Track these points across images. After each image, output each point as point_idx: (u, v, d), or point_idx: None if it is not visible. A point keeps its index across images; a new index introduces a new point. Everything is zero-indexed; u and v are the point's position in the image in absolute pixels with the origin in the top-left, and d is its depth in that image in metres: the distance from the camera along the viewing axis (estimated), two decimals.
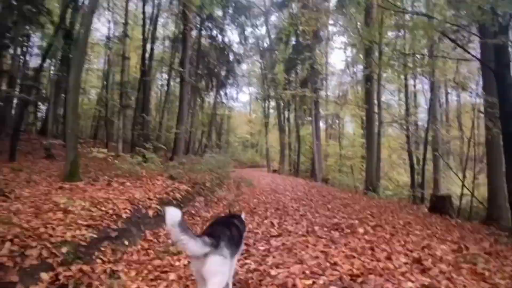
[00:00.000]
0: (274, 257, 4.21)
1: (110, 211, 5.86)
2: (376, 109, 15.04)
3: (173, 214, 2.40)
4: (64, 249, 4.38)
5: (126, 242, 5.54)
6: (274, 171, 30.41)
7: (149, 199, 7.33)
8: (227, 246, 2.68)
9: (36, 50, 18.39)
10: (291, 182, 16.24)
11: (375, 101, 15.33)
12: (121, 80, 17.41)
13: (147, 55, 19.13)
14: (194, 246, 2.44)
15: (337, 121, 32.43)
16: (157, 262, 4.72)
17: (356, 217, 6.95)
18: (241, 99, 62.87)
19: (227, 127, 41.84)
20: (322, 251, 4.37)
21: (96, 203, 6.08)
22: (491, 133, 9.81)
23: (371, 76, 15.14)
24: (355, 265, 3.81)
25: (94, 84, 27.19)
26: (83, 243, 4.67)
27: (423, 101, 26.15)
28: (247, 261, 4.15)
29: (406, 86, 19.59)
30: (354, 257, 4.13)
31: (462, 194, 15.21)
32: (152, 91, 28.44)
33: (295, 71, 23.24)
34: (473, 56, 9.46)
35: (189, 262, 4.43)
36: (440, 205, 9.40)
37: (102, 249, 4.95)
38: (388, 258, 4.14)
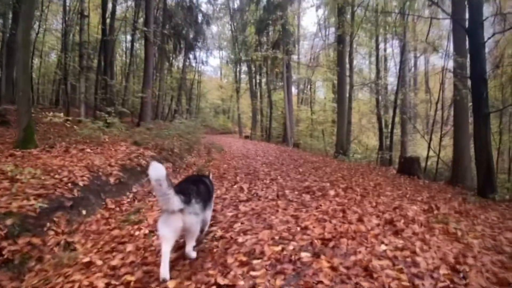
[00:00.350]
0: (242, 223, 3.96)
1: (65, 179, 5.38)
2: (347, 72, 14.80)
3: (159, 169, 2.55)
4: (8, 221, 3.94)
5: (84, 212, 5.13)
6: (246, 137, 30.18)
7: (110, 165, 6.84)
8: (197, 202, 2.88)
9: None
10: (262, 147, 16.04)
11: (347, 64, 15.07)
12: (80, 40, 16.04)
13: (108, 13, 17.73)
14: (175, 201, 2.60)
15: (308, 86, 32.14)
16: (115, 232, 4.37)
17: (327, 179, 6.82)
18: (211, 63, 61.25)
19: (198, 92, 40.57)
20: (292, 215, 4.16)
21: (49, 170, 5.56)
22: (460, 95, 9.83)
23: (343, 37, 14.75)
24: (327, 228, 3.62)
25: (54, 46, 25.18)
26: (32, 214, 4.23)
27: (392, 65, 26.41)
28: (213, 228, 3.87)
29: (377, 48, 19.49)
30: (325, 220, 3.95)
31: (428, 156, 15.61)
32: (117, 54, 26.89)
33: (266, 32, 22.42)
34: (446, 13, 9.23)
35: (151, 231, 4.13)
36: (408, 166, 9.49)
37: (55, 219, 4.53)
38: (360, 220, 3.99)
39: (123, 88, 17.82)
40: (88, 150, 8.06)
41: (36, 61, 24.52)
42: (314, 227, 3.70)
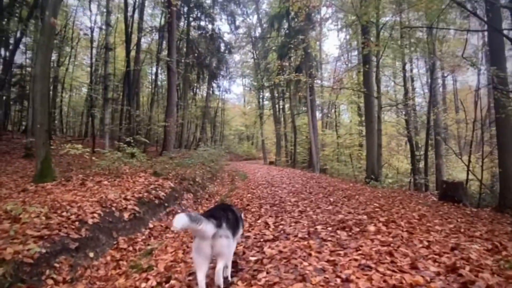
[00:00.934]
0: (268, 272, 3.23)
1: (73, 217, 4.87)
2: (375, 93, 14.03)
3: (180, 220, 2.49)
4: None
5: (91, 254, 4.57)
6: (271, 163, 29.46)
7: (126, 199, 6.32)
8: (228, 226, 2.91)
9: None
10: (288, 173, 15.29)
11: (374, 85, 14.33)
12: (104, 73, 16.23)
13: (133, 45, 18.01)
14: (208, 227, 2.64)
15: (333, 110, 31.35)
16: (121, 281, 3.73)
17: (363, 211, 6.00)
18: (235, 91, 61.94)
19: (222, 120, 40.70)
20: (328, 261, 3.41)
21: (57, 207, 5.08)
22: (505, 112, 8.84)
23: (369, 58, 14.10)
24: (374, 280, 2.85)
25: (84, 80, 26.00)
26: (29, 261, 3.69)
27: (418, 86, 25.39)
28: (234, 279, 3.18)
29: (403, 68, 18.64)
30: (370, 267, 3.17)
31: (467, 180, 14.37)
32: (144, 86, 27.37)
33: (288, 57, 22.10)
34: (486, 23, 8.43)
35: (159, 283, 3.49)
36: (452, 192, 8.46)
37: (57, 265, 3.97)
38: (414, 266, 3.19)
39: (148, 118, 17.71)
40: (105, 182, 7.63)
41: (66, 94, 25.33)
42: (357, 278, 2.94)
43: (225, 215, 3.04)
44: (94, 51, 21.57)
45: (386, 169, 21.90)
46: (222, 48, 24.46)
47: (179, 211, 7.43)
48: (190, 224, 2.55)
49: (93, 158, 9.04)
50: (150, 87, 28.74)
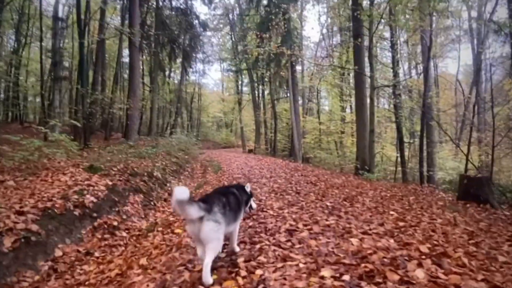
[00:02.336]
0: None
1: None
2: (368, 72, 11.98)
3: (181, 193, 2.40)
4: None
5: None
6: (250, 151, 27.27)
7: (20, 212, 3.97)
8: (221, 212, 2.67)
9: None
10: (268, 164, 13.12)
11: (367, 62, 12.26)
12: (52, 46, 13.39)
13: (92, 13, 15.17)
14: (191, 209, 2.47)
15: (315, 94, 29.26)
16: None
17: (382, 228, 3.90)
18: (213, 76, 58.86)
19: (199, 106, 38.01)
20: None
21: None
22: None
23: (360, 30, 11.97)
24: None
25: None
26: None
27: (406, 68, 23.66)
28: None
29: (392, 47, 16.58)
30: None
31: (466, 170, 12.66)
32: (111, 67, 24.31)
33: (269, 36, 19.76)
34: None
35: None
36: (476, 190, 6.53)
37: None
38: None
39: (109, 100, 14.95)
40: (10, 182, 5.23)
41: (30, 79, 21.94)
42: None
43: (220, 198, 2.80)
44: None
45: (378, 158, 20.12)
46: (196, 25, 21.73)
47: (115, 223, 5.13)
48: (185, 203, 2.41)
49: (4, 147, 6.51)
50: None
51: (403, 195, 6.90)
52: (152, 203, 6.72)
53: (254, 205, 3.60)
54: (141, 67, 25.40)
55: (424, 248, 3.09)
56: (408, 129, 19.43)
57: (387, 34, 20.32)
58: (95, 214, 4.98)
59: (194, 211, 2.48)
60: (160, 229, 4.85)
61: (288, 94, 20.75)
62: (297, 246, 3.29)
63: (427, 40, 15.40)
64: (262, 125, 28.97)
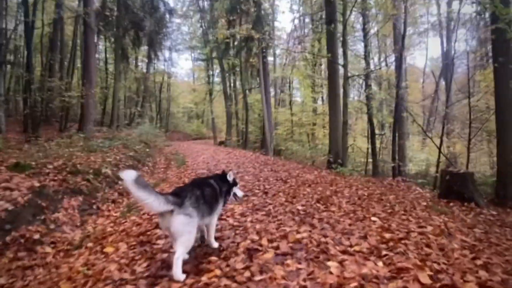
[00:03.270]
0: None
1: None
2: (341, 60, 11.24)
3: (127, 174, 2.33)
4: None
5: None
6: (221, 143, 26.16)
7: None
8: (194, 205, 2.56)
9: None
10: (237, 157, 12.21)
11: (340, 50, 11.52)
12: None
13: None
14: (155, 202, 2.35)
15: (287, 85, 28.50)
16: None
17: (362, 237, 3.11)
18: (183, 65, 56.65)
19: (168, 96, 36.29)
20: None
21: None
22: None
23: (334, 15, 11.18)
24: None
25: None
26: None
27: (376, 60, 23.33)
28: None
29: (365, 36, 15.99)
30: None
31: (438, 164, 12.35)
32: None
33: (239, 20, 18.62)
34: None
35: None
36: (459, 187, 5.94)
37: None
38: None
39: (60, 87, 13.31)
40: None
41: None
42: None
43: (193, 191, 2.67)
44: None
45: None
46: (162, 9, 20.20)
47: (36, 236, 4.06)
48: (132, 186, 2.29)
49: None
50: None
51: (381, 193, 6.20)
52: (94, 206, 5.64)
53: (239, 193, 3.40)
54: (105, 55, 23.74)
55: (424, 278, 2.29)
56: (379, 121, 19.09)
57: (358, 27, 19.91)
58: (8, 226, 3.89)
59: (158, 205, 2.37)
60: (90, 244, 3.83)
61: (260, 85, 19.86)
62: (257, 277, 2.40)
63: (400, 28, 14.94)
64: (233, 116, 27.90)
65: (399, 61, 12.98)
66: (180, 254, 2.41)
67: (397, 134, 14.30)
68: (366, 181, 8.62)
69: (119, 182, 7.25)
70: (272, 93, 28.86)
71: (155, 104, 33.61)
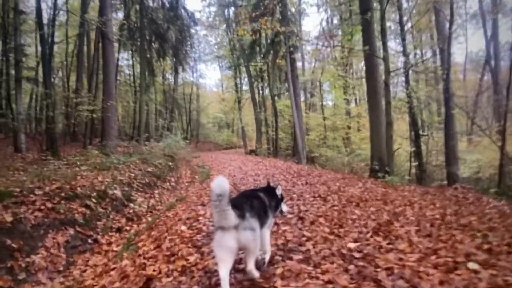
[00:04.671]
0: None
1: None
2: (381, 53, 9.68)
3: (223, 183, 2.13)
4: None
5: None
6: (251, 151, 25.03)
7: None
8: (254, 217, 2.38)
9: None
10: (266, 168, 10.89)
11: (379, 41, 9.99)
12: (15, 42, 11.22)
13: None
14: (231, 216, 2.17)
15: (316, 88, 26.87)
16: None
17: None
18: (213, 76, 56.60)
19: (197, 107, 35.83)
20: None
21: None
22: None
23: (369, 5, 9.68)
24: None
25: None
26: None
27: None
28: None
29: (401, 23, 14.16)
30: None
31: (502, 165, 10.35)
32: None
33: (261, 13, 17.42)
34: None
35: None
36: None
37: None
38: None
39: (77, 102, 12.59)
40: None
41: None
42: None
43: (247, 202, 2.46)
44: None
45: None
46: (185, 18, 19.49)
47: None
48: (225, 197, 2.08)
49: None
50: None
51: (455, 212, 4.63)
52: (91, 239, 4.53)
53: (285, 209, 3.11)
54: (133, 68, 23.46)
55: None
56: (423, 120, 17.06)
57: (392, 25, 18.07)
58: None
59: (233, 219, 2.17)
60: None
61: (288, 90, 18.54)
62: None
63: (443, 18, 13.11)
64: (263, 124, 26.70)
65: (448, 47, 11.11)
66: (252, 264, 2.34)
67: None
68: (423, 193, 6.98)
69: (130, 204, 6.18)
70: (302, 98, 27.41)
71: (185, 116, 33.25)
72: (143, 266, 3.14)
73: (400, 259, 2.79)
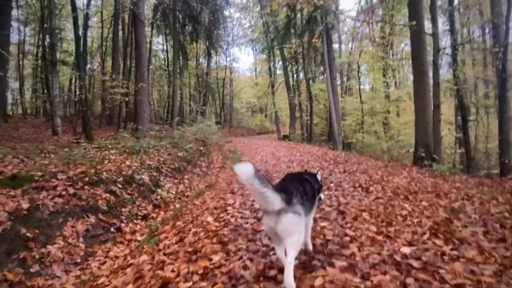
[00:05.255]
0: None
1: None
2: (430, 29, 8.62)
3: (244, 169, 1.92)
4: None
5: None
6: (285, 137, 24.34)
7: None
8: (301, 202, 2.20)
9: None
10: (300, 154, 10.30)
11: (428, 14, 8.89)
12: (50, 25, 11.25)
13: None
14: (275, 199, 2.00)
15: (353, 71, 25.45)
16: None
17: None
18: (246, 61, 55.86)
19: (231, 92, 35.50)
20: None
21: None
22: None
23: None
24: None
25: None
26: None
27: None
28: None
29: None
30: None
31: None
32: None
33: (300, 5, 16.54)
34: None
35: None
36: None
37: None
38: None
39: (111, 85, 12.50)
40: None
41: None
42: None
43: (298, 188, 2.31)
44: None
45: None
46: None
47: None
48: (254, 180, 1.88)
49: None
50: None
51: None
52: (113, 228, 4.26)
53: (322, 196, 2.92)
54: (166, 53, 23.40)
55: None
56: (471, 103, 15.54)
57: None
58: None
59: (276, 202, 2.00)
60: None
61: (324, 72, 17.57)
62: None
63: None
64: (297, 109, 25.83)
65: (506, 23, 9.71)
66: (291, 258, 2.02)
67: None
68: (477, 184, 6.13)
69: (158, 190, 5.90)
70: (338, 81, 26.14)
71: (218, 100, 33.10)
72: (161, 265, 2.76)
73: (472, 271, 2.20)
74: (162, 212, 5.31)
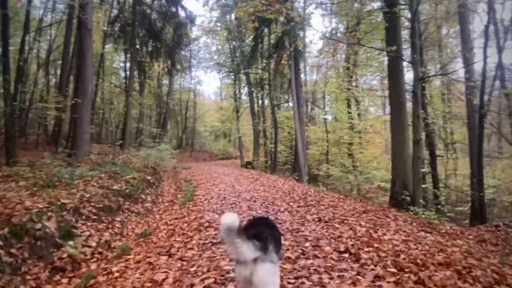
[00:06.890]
0: None
1: None
2: (408, 56, 7.83)
3: (231, 219, 1.81)
4: None
5: None
6: (248, 163, 22.91)
7: None
8: (276, 250, 2.06)
9: None
10: (265, 188, 8.87)
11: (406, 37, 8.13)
12: None
13: None
14: (247, 250, 1.84)
15: (320, 95, 24.90)
16: None
17: None
18: (211, 83, 54.81)
19: (194, 115, 33.93)
20: None
21: None
22: None
23: None
24: None
25: None
26: None
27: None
28: None
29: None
30: None
31: None
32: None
33: (268, 31, 15.81)
34: None
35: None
36: None
37: None
38: None
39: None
40: None
41: None
42: None
43: (270, 233, 2.14)
44: None
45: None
46: (182, 15, 17.58)
47: None
48: (233, 231, 1.76)
49: None
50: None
51: None
52: None
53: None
54: (124, 69, 21.52)
55: None
56: (443, 138, 15.21)
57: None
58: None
59: (250, 252, 1.83)
60: None
61: (291, 99, 16.67)
62: None
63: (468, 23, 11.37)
64: (261, 135, 24.68)
65: (484, 58, 9.21)
66: None
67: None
68: (477, 239, 5.03)
69: (66, 246, 4.16)
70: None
71: (181, 123, 31.31)
72: None
73: None
74: (65, 280, 3.59)
